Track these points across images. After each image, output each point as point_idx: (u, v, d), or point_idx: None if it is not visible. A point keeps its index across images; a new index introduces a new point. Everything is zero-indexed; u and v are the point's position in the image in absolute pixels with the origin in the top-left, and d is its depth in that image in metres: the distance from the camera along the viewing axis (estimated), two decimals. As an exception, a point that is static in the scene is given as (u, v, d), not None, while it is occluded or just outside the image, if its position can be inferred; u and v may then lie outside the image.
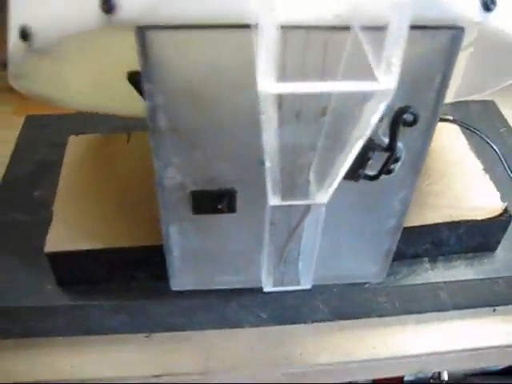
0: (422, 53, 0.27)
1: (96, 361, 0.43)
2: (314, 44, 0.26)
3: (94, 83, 0.40)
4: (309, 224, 0.31)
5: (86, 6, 0.25)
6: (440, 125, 0.46)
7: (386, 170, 0.30)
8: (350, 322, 0.46)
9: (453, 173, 0.48)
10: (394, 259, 0.44)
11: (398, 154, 0.30)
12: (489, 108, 0.62)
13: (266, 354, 0.44)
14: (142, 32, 0.25)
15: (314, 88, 0.22)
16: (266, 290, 0.37)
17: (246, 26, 0.22)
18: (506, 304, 0.48)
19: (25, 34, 0.28)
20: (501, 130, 0.58)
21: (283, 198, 0.29)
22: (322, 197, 0.29)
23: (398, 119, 0.28)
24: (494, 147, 0.47)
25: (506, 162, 0.48)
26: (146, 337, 0.44)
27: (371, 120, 0.23)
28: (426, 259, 0.46)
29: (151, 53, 0.26)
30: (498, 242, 0.47)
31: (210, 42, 0.26)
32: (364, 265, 0.39)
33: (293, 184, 0.30)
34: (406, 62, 0.22)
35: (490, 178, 0.47)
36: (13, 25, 0.30)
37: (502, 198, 0.46)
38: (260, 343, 0.44)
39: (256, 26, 0.21)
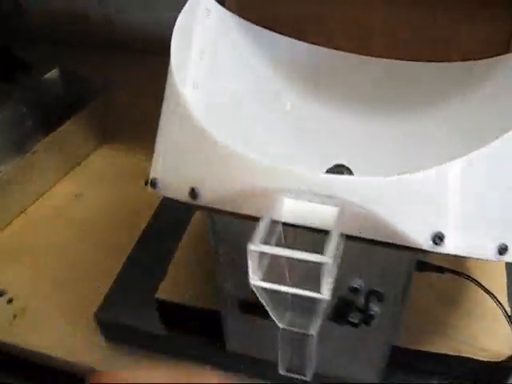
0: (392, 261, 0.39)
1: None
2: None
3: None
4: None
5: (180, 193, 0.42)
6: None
7: (362, 322, 0.42)
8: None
9: (479, 311, 0.56)
10: (409, 371, 0.55)
11: (372, 314, 0.42)
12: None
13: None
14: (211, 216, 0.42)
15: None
16: (280, 372, 0.51)
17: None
18: None
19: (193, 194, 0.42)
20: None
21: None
22: (313, 330, 0.42)
23: (369, 295, 0.40)
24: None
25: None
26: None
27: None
28: (435, 382, 0.55)
29: (213, 222, 0.43)
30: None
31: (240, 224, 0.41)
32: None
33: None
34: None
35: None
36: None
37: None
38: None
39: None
